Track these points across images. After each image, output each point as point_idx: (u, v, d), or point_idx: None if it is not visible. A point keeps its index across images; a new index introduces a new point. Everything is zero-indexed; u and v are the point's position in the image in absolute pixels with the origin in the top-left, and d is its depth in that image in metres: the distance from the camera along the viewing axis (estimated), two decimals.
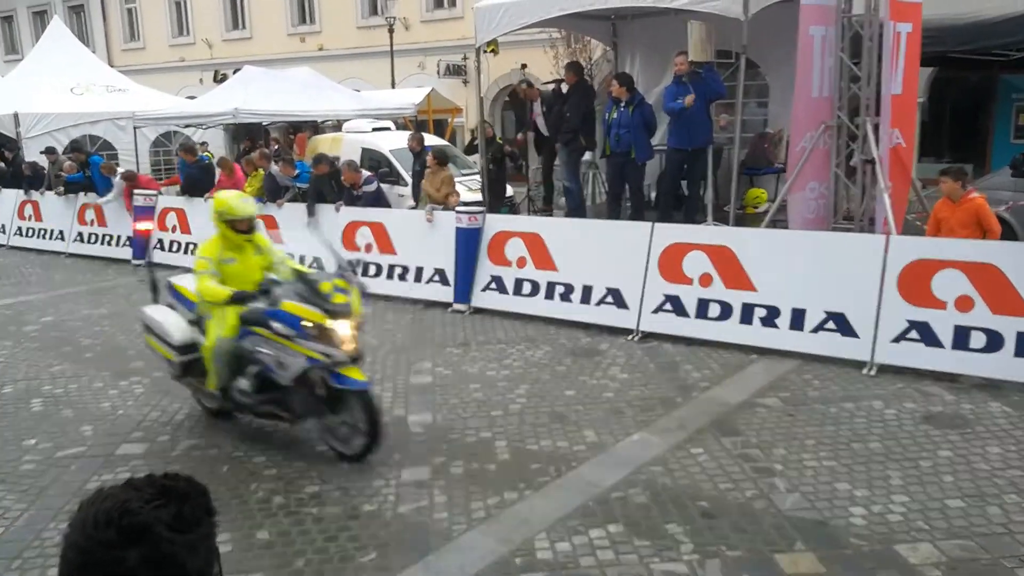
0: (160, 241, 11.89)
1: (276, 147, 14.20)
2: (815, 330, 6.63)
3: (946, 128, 17.23)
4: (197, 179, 11.69)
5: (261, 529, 4.23)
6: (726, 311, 7.07)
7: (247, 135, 16.62)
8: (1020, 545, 3.85)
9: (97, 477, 4.91)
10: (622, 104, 9.16)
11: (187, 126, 17.06)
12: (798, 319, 6.72)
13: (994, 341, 5.91)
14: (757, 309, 6.93)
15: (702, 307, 7.19)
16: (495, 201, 10.43)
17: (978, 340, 5.97)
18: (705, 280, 7.21)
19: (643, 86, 10.91)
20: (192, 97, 20.27)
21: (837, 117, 7.78)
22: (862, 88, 7.53)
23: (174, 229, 11.77)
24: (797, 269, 6.82)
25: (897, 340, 6.26)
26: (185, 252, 11.53)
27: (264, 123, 17.43)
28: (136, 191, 11.90)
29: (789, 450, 4.98)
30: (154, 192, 12.03)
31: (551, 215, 10.61)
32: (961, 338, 6.02)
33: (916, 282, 6.23)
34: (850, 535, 3.99)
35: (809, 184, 7.98)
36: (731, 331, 7.01)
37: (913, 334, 6.21)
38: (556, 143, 10.30)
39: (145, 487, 1.14)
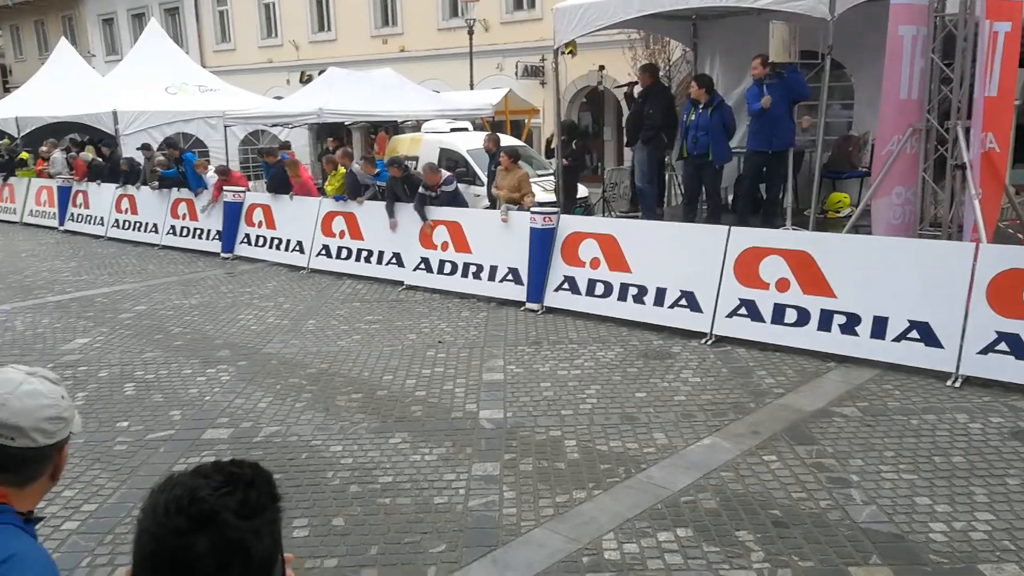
0: (247, 236, 12.36)
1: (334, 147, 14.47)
2: (897, 339, 6.44)
3: None
4: (280, 179, 12.10)
5: (336, 517, 4.38)
6: (803, 317, 6.93)
7: (330, 134, 17.08)
8: None
9: (184, 459, 5.16)
10: (700, 106, 9.08)
11: (274, 125, 17.66)
12: (880, 327, 6.54)
13: None
14: (836, 316, 6.77)
15: (778, 312, 7.07)
16: (568, 203, 10.47)
17: None
18: (782, 285, 7.09)
19: (723, 88, 10.78)
20: (279, 97, 21.00)
21: (926, 120, 7.53)
22: (954, 90, 7.27)
23: (260, 225, 12.21)
24: (880, 276, 6.64)
25: (984, 352, 6.03)
26: (271, 247, 11.98)
27: (346, 123, 17.90)
28: (226, 187, 12.40)
29: (867, 461, 4.87)
30: (242, 189, 12.52)
31: (638, 216, 10.56)
32: None
33: (1007, 292, 5.98)
34: (929, 551, 3.88)
35: (895, 189, 7.74)
36: (808, 337, 6.87)
37: (1002, 346, 5.96)
38: (631, 144, 10.27)
39: (213, 474, 1.18)
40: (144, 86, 18.00)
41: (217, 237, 12.70)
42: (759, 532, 4.10)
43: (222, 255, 12.43)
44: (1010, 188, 8.28)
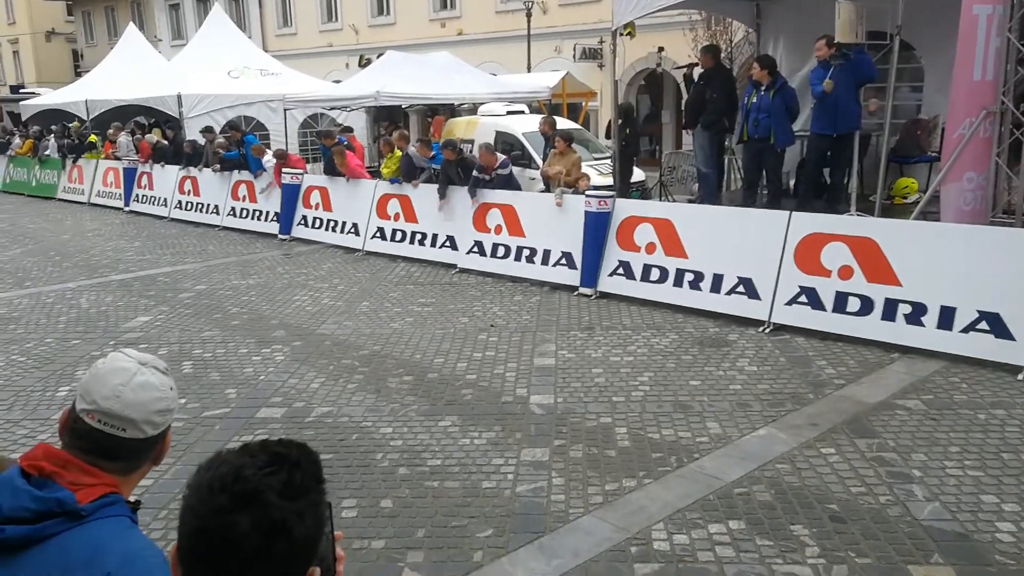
0: (304, 218, 12.56)
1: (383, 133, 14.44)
2: (965, 330, 6.19)
3: None
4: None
5: (385, 499, 4.42)
6: (867, 306, 6.72)
7: (387, 118, 17.19)
8: None
9: (238, 437, 5.27)
10: (763, 88, 8.83)
11: (332, 108, 17.86)
12: (947, 318, 6.29)
13: None
14: (901, 305, 6.54)
15: (840, 300, 6.86)
16: (623, 186, 10.33)
17: None
18: (845, 272, 6.87)
19: (787, 69, 10.47)
20: (338, 81, 21.20)
21: (1001, 102, 7.18)
22: None
23: (317, 207, 12.39)
24: (948, 264, 6.39)
25: None
26: (326, 229, 12.14)
27: (403, 106, 17.98)
28: (284, 169, 12.60)
29: (930, 456, 4.70)
30: (300, 171, 12.69)
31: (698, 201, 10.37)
32: None
33: None
34: (995, 552, 3.73)
35: (966, 174, 7.41)
36: (871, 327, 6.66)
37: None
38: (690, 127, 10.06)
39: (259, 453, 1.17)
40: (208, 70, 18.41)
41: (275, 219, 12.93)
42: (815, 527, 3.99)
43: (279, 236, 12.66)
44: None
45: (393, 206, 11.16)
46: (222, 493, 1.12)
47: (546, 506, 4.28)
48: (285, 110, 17.05)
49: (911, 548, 3.78)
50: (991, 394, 5.60)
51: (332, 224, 12.12)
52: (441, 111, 17.44)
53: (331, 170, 12.28)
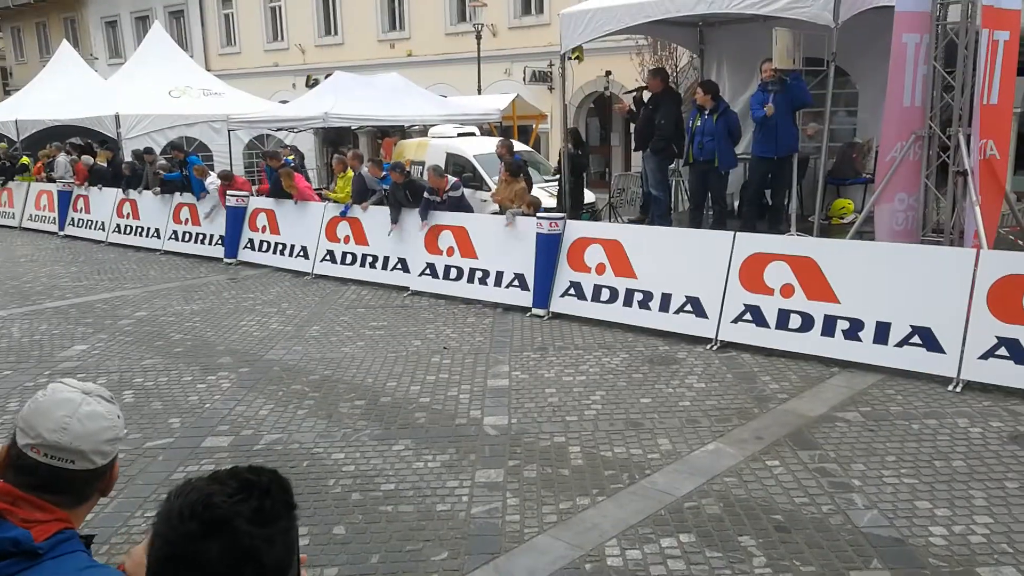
0: (251, 241, 12.43)
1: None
2: (900, 344, 6.47)
3: None
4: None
5: (337, 525, 4.40)
6: (807, 323, 6.96)
7: (336, 139, 17.14)
8: None
9: (183, 468, 5.16)
10: (706, 112, 9.11)
11: (279, 129, 17.74)
12: (882, 333, 6.57)
13: None
14: (840, 321, 6.80)
15: (783, 318, 7.10)
16: (575, 208, 10.49)
17: None
18: (787, 291, 7.12)
19: (729, 93, 10.81)
20: (285, 101, 21.08)
21: (929, 127, 7.55)
22: (955, 98, 7.30)
23: (264, 229, 12.28)
24: (883, 282, 6.67)
25: (985, 357, 6.05)
26: (274, 252, 12.04)
27: (352, 127, 17.96)
28: (229, 192, 12.45)
29: (868, 466, 4.89)
30: (246, 193, 12.58)
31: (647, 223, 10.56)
32: None
33: (1007, 298, 6.01)
34: (929, 555, 3.91)
35: (898, 195, 7.76)
36: (812, 343, 6.90)
37: (1002, 351, 5.99)
38: (640, 150, 10.27)
39: (228, 480, 1.19)
40: (147, 89, 18.09)
41: (220, 242, 12.76)
42: (761, 537, 4.12)
43: (225, 260, 12.50)
44: (1010, 195, 8.30)
45: (343, 228, 11.13)
46: (192, 520, 1.13)
47: (501, 527, 4.32)
48: (229, 131, 16.87)
49: (852, 555, 3.93)
50: (924, 405, 5.86)
51: (280, 247, 12.02)
52: (391, 133, 17.48)
53: (278, 192, 12.19)
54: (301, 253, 11.65)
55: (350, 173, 11.47)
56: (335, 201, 11.51)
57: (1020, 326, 5.95)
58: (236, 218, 12.49)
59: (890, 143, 7.72)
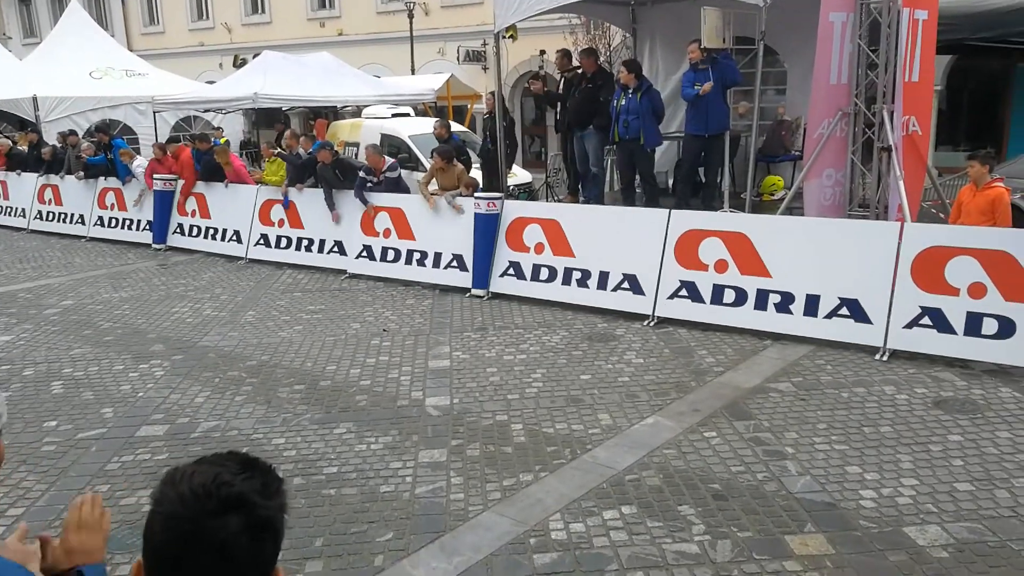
0: (180, 226, 12.06)
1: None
2: (829, 316, 6.68)
3: (963, 116, 17.10)
4: (214, 166, 11.78)
5: None
6: (741, 297, 7.12)
7: (266, 120, 16.73)
8: None
9: (118, 458, 5.02)
10: (630, 91, 9.15)
11: (207, 111, 17.21)
12: (812, 305, 6.77)
13: (1006, 327, 5.94)
14: (772, 295, 6.98)
15: (717, 293, 7.25)
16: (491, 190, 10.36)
17: (990, 326, 6.00)
18: (721, 266, 7.26)
19: (663, 72, 10.92)
20: (211, 82, 20.45)
21: (854, 104, 7.77)
22: (879, 75, 7.52)
23: (194, 214, 11.92)
24: (812, 256, 6.86)
25: (909, 326, 6.31)
26: (205, 237, 11.72)
27: (283, 108, 17.55)
28: (156, 175, 12.02)
29: (801, 434, 5.05)
30: (173, 176, 12.13)
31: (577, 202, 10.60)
32: (973, 324, 6.06)
33: (929, 269, 6.27)
34: (860, 517, 4.07)
35: (825, 171, 7.99)
36: (745, 317, 7.07)
37: (926, 320, 6.25)
38: (574, 130, 10.26)
39: (227, 462, 1.24)
40: (66, 70, 17.31)
41: (148, 228, 12.35)
42: (700, 506, 4.22)
43: (154, 246, 12.11)
44: (932, 169, 8.62)
45: (277, 212, 10.89)
46: (209, 499, 1.17)
47: (445, 506, 4.32)
48: (155, 112, 16.30)
49: (787, 520, 4.07)
50: (853, 374, 6.08)
51: (211, 232, 11.70)
52: (324, 114, 17.14)
53: (208, 175, 11.83)
54: (234, 237, 11.36)
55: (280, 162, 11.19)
56: (269, 184, 11.23)
57: (942, 296, 6.21)
58: (164, 202, 12.08)
59: (817, 120, 7.92)
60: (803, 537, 3.91)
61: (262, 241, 11.01)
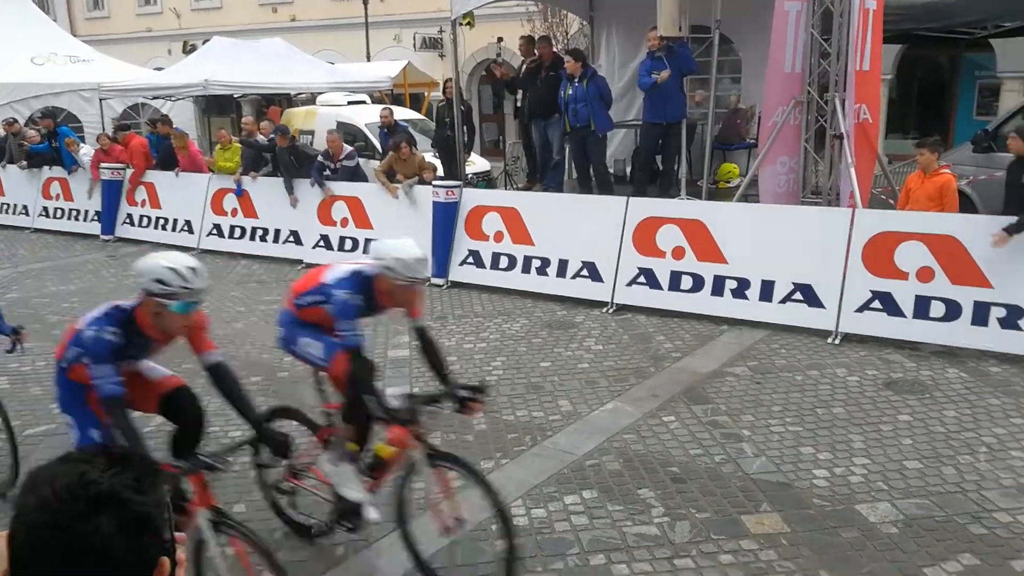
0: (129, 216, 11.77)
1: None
2: (783, 301, 6.81)
3: (913, 104, 17.52)
4: (170, 153, 11.51)
5: (238, 503, 4.30)
6: (698, 283, 7.21)
7: (218, 108, 16.40)
8: (972, 503, 4.05)
9: None
10: (576, 79, 9.15)
11: (155, 98, 16.79)
12: (767, 290, 6.88)
13: (952, 310, 6.12)
14: (728, 281, 7.08)
15: (675, 279, 7.33)
16: (449, 178, 10.33)
17: (937, 309, 6.17)
18: (678, 253, 7.34)
19: (619, 60, 10.96)
20: (160, 68, 19.96)
21: (807, 92, 7.89)
22: (832, 64, 7.65)
23: (143, 204, 11.65)
24: (767, 242, 6.97)
25: (861, 310, 6.46)
26: (156, 227, 11.46)
27: (235, 95, 17.21)
28: (103, 164, 11.69)
29: (756, 416, 5.15)
30: (122, 165, 11.82)
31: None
32: (922, 307, 6.23)
33: (880, 254, 6.42)
34: (813, 496, 4.17)
35: (780, 159, 8.11)
36: (702, 303, 7.16)
37: (876, 304, 6.40)
38: (535, 118, 10.24)
39: (92, 458, 1.13)
40: (6, 56, 16.66)
41: (96, 218, 12.03)
42: (659, 489, 4.28)
43: (102, 237, 11.81)
44: (882, 157, 8.81)
45: (230, 201, 10.69)
46: (76, 501, 1.07)
47: (407, 495, 4.30)
48: (101, 100, 15.85)
49: (743, 500, 4.15)
50: (806, 357, 6.21)
51: (162, 222, 11.45)
52: (277, 101, 16.86)
53: (164, 162, 11.55)
54: (185, 227, 11.13)
55: (237, 145, 10.99)
56: (225, 172, 11.01)
57: (892, 280, 6.37)
58: (112, 192, 11.77)
59: (772, 108, 8.03)
60: (759, 516, 3.99)
61: (215, 231, 10.81)
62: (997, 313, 5.98)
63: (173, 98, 16.49)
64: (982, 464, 4.44)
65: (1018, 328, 5.89)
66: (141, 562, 1.11)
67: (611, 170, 10.20)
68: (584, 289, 7.79)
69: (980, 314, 6.02)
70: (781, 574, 3.54)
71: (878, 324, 6.39)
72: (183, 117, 18.59)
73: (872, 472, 4.39)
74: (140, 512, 1.11)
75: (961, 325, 6.08)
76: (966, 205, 7.54)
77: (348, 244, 9.49)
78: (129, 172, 11.72)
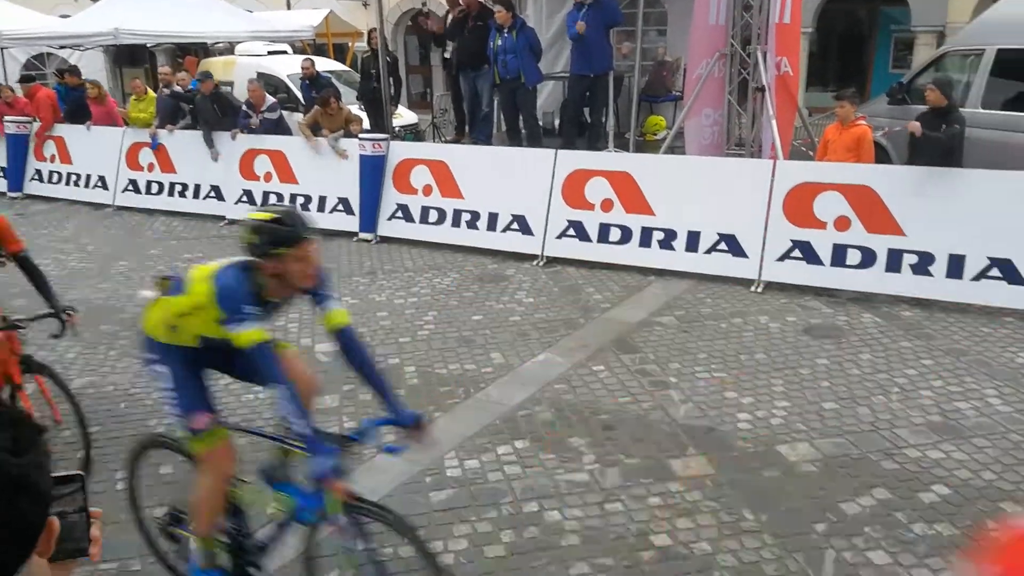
0: (38, 172, 11.18)
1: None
2: (708, 251, 6.95)
3: (832, 57, 17.91)
4: (80, 106, 10.91)
5: (165, 465, 4.20)
6: (626, 235, 7.30)
7: (130, 57, 15.59)
8: (885, 440, 4.27)
9: None
10: (505, 30, 9.04)
11: (62, 47, 15.85)
12: (693, 241, 7.02)
13: (868, 258, 6.36)
14: (655, 232, 7.19)
15: (604, 231, 7.40)
16: (375, 130, 10.14)
17: (854, 257, 6.41)
18: (606, 205, 7.40)
19: (547, 10, 10.85)
20: (66, 16, 18.77)
21: (730, 45, 7.98)
22: (754, 16, 7.73)
23: (53, 159, 11.07)
24: (692, 194, 7.08)
25: (782, 259, 6.66)
26: (67, 183, 10.92)
27: (148, 45, 16.40)
28: (7, 118, 11.05)
29: (683, 364, 5.29)
30: (28, 119, 11.18)
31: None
32: (839, 255, 6.46)
33: (800, 204, 6.60)
34: (737, 438, 4.32)
35: (704, 111, 8.22)
36: (631, 254, 7.26)
37: (796, 253, 6.61)
38: (464, 70, 10.07)
39: None
40: None
41: (2, 175, 11.37)
42: (590, 437, 4.37)
43: (9, 195, 11.21)
44: (803, 109, 9.01)
45: (146, 156, 10.25)
46: None
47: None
48: (2, 49, 14.86)
49: (671, 445, 4.27)
50: (730, 305, 6.38)
51: (74, 178, 10.92)
52: (193, 51, 16.13)
53: (73, 115, 10.95)
54: (99, 183, 10.65)
55: (151, 95, 10.50)
56: (138, 124, 10.51)
57: (811, 230, 6.56)
58: (18, 147, 11.14)
59: (697, 61, 8.11)
60: (686, 460, 4.12)
61: (131, 187, 10.37)
62: (909, 260, 6.24)
63: (81, 47, 15.58)
64: (894, 404, 4.67)
65: (929, 274, 6.17)
66: (20, 527, 1.07)
67: (540, 123, 10.16)
68: (514, 242, 7.79)
69: (894, 261, 6.28)
70: (706, 514, 3.68)
71: (798, 272, 6.60)
72: (92, 67, 17.61)
73: (792, 414, 4.57)
74: (17, 474, 1.06)
75: (876, 272, 6.33)
76: (881, 156, 7.79)
77: (273, 199, 9.23)
78: (36, 126, 11.10)
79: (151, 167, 10.22)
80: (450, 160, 8.29)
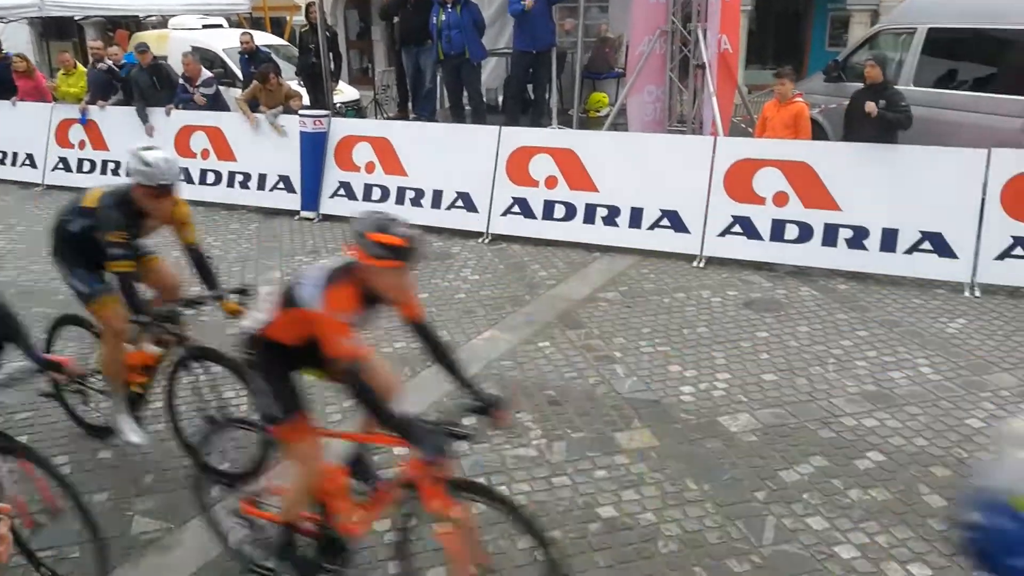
0: None
1: None
2: (651, 228, 7.04)
3: (770, 35, 18.16)
4: (6, 79, 10.43)
5: (104, 450, 4.11)
6: (570, 212, 7.33)
7: (57, 30, 14.95)
8: (822, 410, 4.40)
9: None
10: (449, 5, 8.93)
11: None
12: (636, 218, 7.09)
13: (805, 232, 6.53)
14: (599, 209, 7.23)
15: (548, 208, 7.41)
16: (316, 106, 9.95)
17: (792, 232, 6.57)
18: (551, 182, 7.41)
19: None
20: None
21: (671, 22, 8.03)
22: None
23: None
24: (635, 170, 7.14)
25: (723, 234, 6.78)
26: None
27: (76, 17, 15.74)
28: None
29: (627, 339, 5.36)
30: None
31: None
32: (778, 230, 6.61)
33: (740, 180, 6.72)
34: (680, 411, 4.41)
35: (647, 88, 8.27)
36: (575, 231, 7.30)
37: (736, 228, 6.73)
38: (407, 45, 9.91)
39: None
40: None
41: None
42: (536, 412, 4.41)
43: None
44: (742, 86, 9.14)
45: (77, 132, 9.87)
46: None
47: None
48: None
49: (616, 418, 4.34)
50: (673, 281, 6.48)
51: (0, 156, 10.45)
52: (124, 24, 15.54)
53: (3, 91, 10.45)
54: (27, 161, 10.23)
55: (81, 69, 10.09)
56: (68, 100, 10.10)
57: (751, 205, 6.69)
58: None
59: (639, 38, 8.14)
60: (631, 433, 4.19)
61: (61, 165, 9.99)
62: (845, 234, 6.42)
63: (5, 19, 14.87)
64: (831, 374, 4.82)
65: (864, 248, 6.36)
66: None
67: (484, 99, 10.09)
68: (459, 220, 7.76)
69: (830, 235, 6.45)
70: (651, 485, 3.75)
71: (738, 247, 6.73)
72: (17, 41, 16.82)
73: (733, 386, 4.68)
74: None
75: (813, 246, 6.50)
76: (818, 133, 7.96)
77: (210, 177, 9.01)
78: None
79: (82, 144, 9.85)
80: (393, 137, 8.19)
